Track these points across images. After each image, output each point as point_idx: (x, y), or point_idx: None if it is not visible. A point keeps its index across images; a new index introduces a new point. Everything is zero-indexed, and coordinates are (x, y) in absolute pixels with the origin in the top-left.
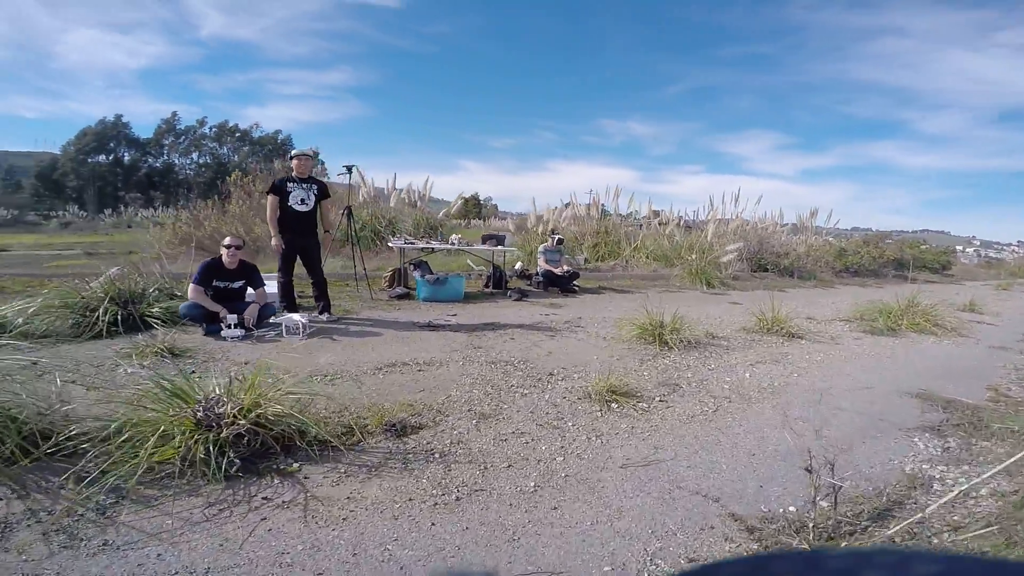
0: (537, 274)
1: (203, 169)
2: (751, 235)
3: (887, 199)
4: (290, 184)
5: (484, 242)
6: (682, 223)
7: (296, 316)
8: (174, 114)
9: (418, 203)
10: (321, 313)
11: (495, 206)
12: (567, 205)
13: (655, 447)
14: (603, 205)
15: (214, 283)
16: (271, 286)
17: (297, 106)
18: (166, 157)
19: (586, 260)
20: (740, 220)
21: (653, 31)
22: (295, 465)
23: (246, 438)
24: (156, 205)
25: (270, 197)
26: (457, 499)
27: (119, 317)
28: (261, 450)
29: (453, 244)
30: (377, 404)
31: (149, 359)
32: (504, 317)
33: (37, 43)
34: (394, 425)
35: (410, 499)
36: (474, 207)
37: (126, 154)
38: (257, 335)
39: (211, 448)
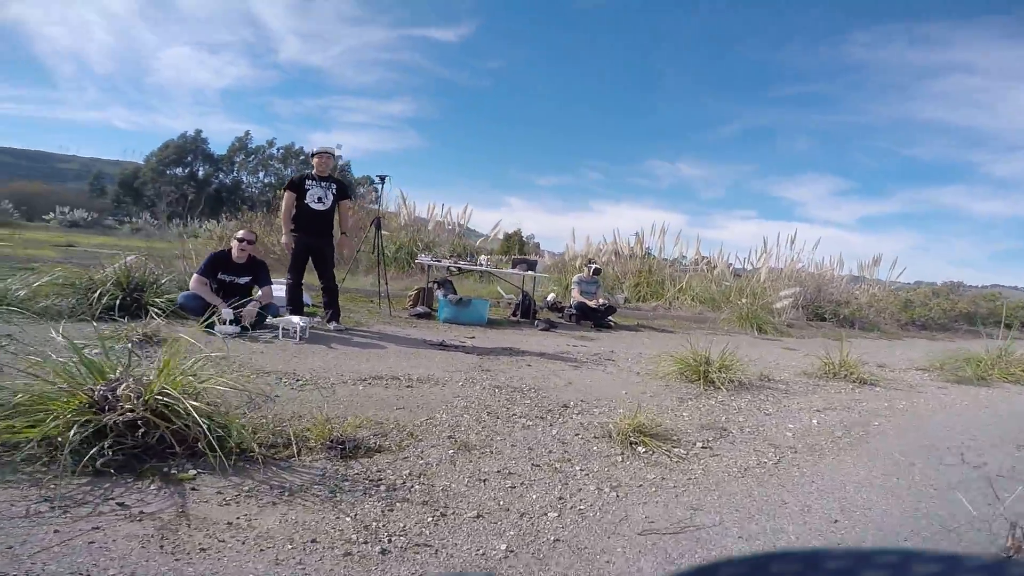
0: (570, 306)
1: (267, 188)
2: (808, 281)
3: (953, 250)
4: (308, 181)
5: (514, 266)
6: (731, 269)
7: (295, 319)
8: (247, 133)
9: (456, 228)
10: (328, 322)
11: (537, 244)
12: (609, 243)
13: (693, 507)
14: (648, 248)
15: (219, 276)
16: (281, 290)
17: (360, 134)
18: (235, 174)
19: (626, 300)
20: (794, 265)
21: (708, 69)
22: (191, 472)
23: (142, 429)
24: (219, 218)
25: (287, 193)
26: (383, 552)
27: (118, 302)
28: (158, 447)
29: (481, 264)
30: (337, 417)
31: (121, 343)
32: (525, 344)
33: (138, 58)
34: (342, 443)
35: (314, 540)
36: (517, 243)
37: (201, 169)
38: (252, 334)
39: (89, 434)
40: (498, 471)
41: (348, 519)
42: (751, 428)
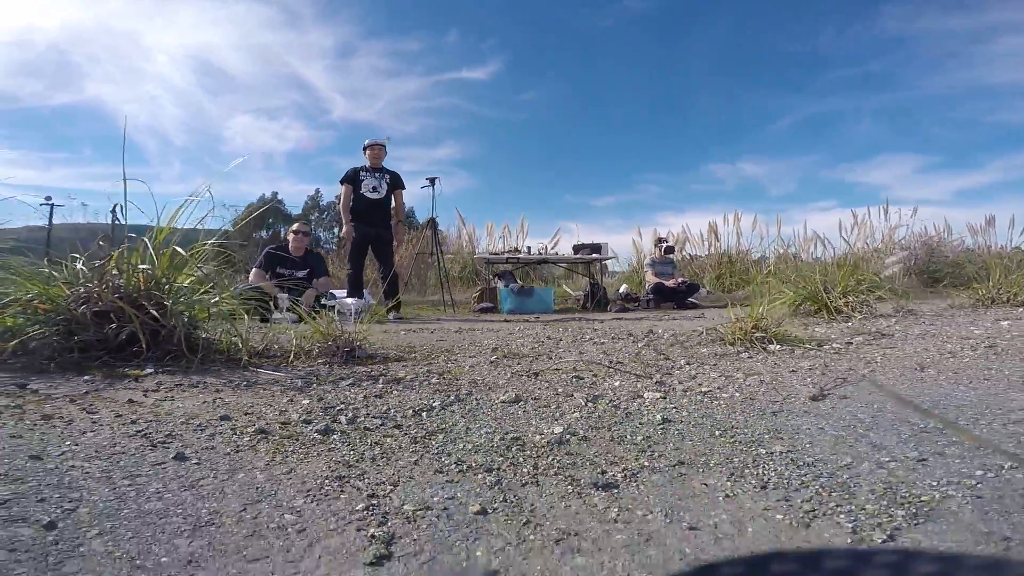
0: (647, 293)
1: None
2: (915, 246)
3: None
4: (363, 173)
5: (576, 252)
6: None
7: (349, 300)
8: (317, 191)
9: (516, 243)
10: (388, 312)
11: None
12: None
13: (917, 366)
14: (724, 249)
15: (278, 270)
16: (342, 293)
17: (414, 183)
18: (314, 232)
19: (709, 292)
20: (893, 232)
21: (745, 68)
22: (148, 370)
23: (114, 324)
24: None
25: (344, 187)
26: (324, 432)
27: None
28: (130, 347)
29: (540, 253)
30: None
31: None
32: (598, 318)
33: (207, 128)
34: (350, 349)
35: (226, 417)
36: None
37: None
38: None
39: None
40: (556, 368)
41: (305, 402)
42: (919, 334)
